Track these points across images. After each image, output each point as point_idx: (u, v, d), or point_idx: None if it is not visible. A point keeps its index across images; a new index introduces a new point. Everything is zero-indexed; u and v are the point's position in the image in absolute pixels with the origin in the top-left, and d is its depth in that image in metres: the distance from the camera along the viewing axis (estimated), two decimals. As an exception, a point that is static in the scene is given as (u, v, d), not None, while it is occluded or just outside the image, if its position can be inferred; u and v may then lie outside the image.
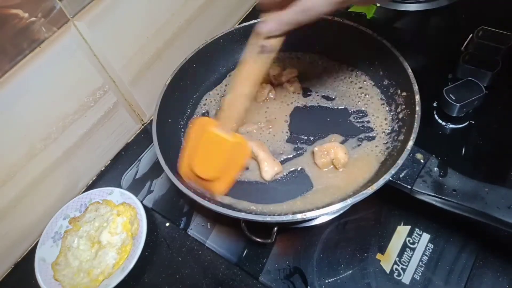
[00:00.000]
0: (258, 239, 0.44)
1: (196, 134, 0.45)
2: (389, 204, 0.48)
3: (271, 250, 0.47)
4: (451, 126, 0.53)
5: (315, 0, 0.33)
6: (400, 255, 0.44)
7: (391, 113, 0.50)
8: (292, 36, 0.60)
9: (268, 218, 0.39)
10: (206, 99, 0.58)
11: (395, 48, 0.49)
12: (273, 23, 0.37)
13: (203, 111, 0.57)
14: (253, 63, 0.40)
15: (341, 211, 0.48)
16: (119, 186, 0.57)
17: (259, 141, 0.50)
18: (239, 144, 0.43)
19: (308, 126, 0.52)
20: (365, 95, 0.53)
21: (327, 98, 0.55)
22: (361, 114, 0.52)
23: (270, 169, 0.47)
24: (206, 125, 0.43)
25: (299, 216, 0.38)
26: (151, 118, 0.65)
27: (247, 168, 0.49)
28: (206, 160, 0.44)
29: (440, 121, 0.53)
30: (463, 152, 0.50)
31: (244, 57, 0.40)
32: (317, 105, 0.54)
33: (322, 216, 0.46)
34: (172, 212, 0.53)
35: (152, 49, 0.59)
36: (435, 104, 0.54)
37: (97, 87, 0.54)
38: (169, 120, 0.53)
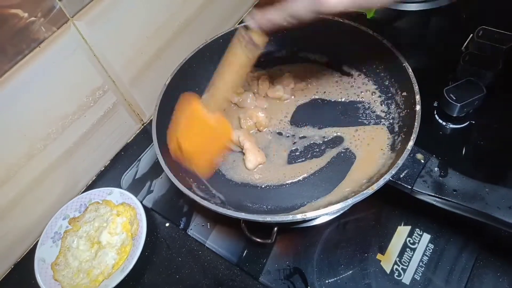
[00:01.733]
0: (258, 240, 0.44)
1: (184, 108, 0.46)
2: (390, 204, 0.48)
3: (271, 250, 0.47)
4: (451, 126, 0.53)
5: (299, 7, 0.34)
6: (401, 255, 0.44)
7: (391, 113, 0.50)
8: (292, 35, 0.61)
9: (268, 218, 0.39)
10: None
11: (395, 48, 0.49)
12: (260, 20, 0.37)
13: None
14: (239, 54, 0.41)
15: (341, 211, 0.48)
16: (119, 186, 0.57)
17: (247, 131, 0.50)
18: (220, 123, 0.44)
19: (309, 121, 0.53)
20: (365, 94, 0.53)
21: (326, 97, 0.54)
22: (361, 114, 0.52)
23: (253, 159, 0.48)
24: (193, 101, 0.44)
25: (299, 216, 0.38)
26: (151, 118, 0.65)
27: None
28: (189, 133, 0.45)
29: (440, 121, 0.53)
30: (463, 152, 0.50)
31: (232, 44, 0.41)
32: (316, 104, 0.54)
33: (322, 216, 0.46)
34: (172, 212, 0.53)
35: (152, 49, 0.59)
36: (435, 104, 0.54)
37: (97, 87, 0.54)
38: (169, 120, 0.53)
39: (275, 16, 0.36)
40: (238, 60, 0.41)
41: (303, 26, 0.35)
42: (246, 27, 0.39)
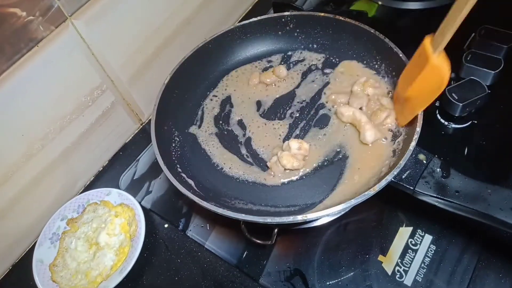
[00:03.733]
0: (258, 241, 0.43)
1: (418, 50, 0.41)
2: (391, 205, 0.47)
3: (271, 251, 0.47)
4: (453, 126, 0.52)
5: None
6: (402, 256, 0.44)
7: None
8: (292, 35, 0.60)
9: (269, 220, 0.39)
10: (205, 99, 0.57)
11: (397, 47, 0.49)
12: None
13: (203, 111, 0.56)
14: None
15: (343, 212, 0.47)
16: (117, 186, 0.56)
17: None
18: (439, 67, 0.38)
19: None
20: (366, 94, 0.53)
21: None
22: (362, 114, 0.51)
23: (373, 133, 0.46)
24: (424, 39, 0.40)
25: (299, 218, 0.38)
26: (149, 118, 0.64)
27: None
28: (409, 74, 0.42)
29: (442, 120, 0.53)
30: (465, 152, 0.50)
31: None
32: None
33: (323, 217, 0.46)
34: (171, 213, 0.53)
35: (151, 48, 0.59)
36: (437, 104, 0.54)
37: (95, 86, 0.53)
38: (168, 120, 0.53)
39: None
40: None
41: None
42: None
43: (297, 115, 0.53)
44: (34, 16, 0.43)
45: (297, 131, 0.51)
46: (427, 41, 0.39)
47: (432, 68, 0.39)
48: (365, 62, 0.55)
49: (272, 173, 0.47)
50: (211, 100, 0.57)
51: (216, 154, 0.51)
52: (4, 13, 0.40)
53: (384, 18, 0.66)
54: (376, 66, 0.54)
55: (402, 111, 0.45)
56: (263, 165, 0.49)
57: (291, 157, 0.46)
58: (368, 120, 0.47)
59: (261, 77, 0.56)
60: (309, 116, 0.53)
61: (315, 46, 0.58)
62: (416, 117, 0.42)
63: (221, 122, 0.54)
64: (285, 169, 0.47)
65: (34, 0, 0.42)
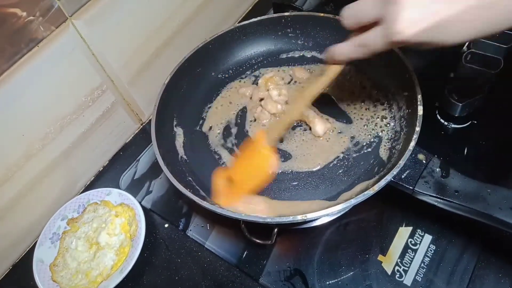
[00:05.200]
0: (258, 241, 0.43)
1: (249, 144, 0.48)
2: (391, 205, 0.47)
3: (271, 251, 0.47)
4: (453, 126, 0.53)
5: (371, 37, 0.33)
6: (402, 256, 0.44)
7: (393, 113, 0.49)
8: (292, 36, 0.60)
9: (268, 219, 0.39)
10: (206, 99, 0.57)
11: (396, 47, 0.49)
12: (331, 52, 0.39)
13: (203, 111, 0.56)
14: (315, 84, 0.42)
15: (342, 212, 0.47)
16: (118, 186, 0.56)
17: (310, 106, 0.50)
18: (265, 154, 0.44)
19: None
20: (366, 94, 0.53)
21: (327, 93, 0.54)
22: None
23: (323, 125, 0.49)
24: (260, 134, 0.46)
25: (299, 217, 0.38)
26: (149, 118, 0.64)
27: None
28: (241, 162, 0.47)
29: (442, 121, 0.53)
30: (465, 152, 0.50)
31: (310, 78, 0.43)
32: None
33: (323, 217, 0.46)
34: (171, 213, 0.53)
35: (151, 48, 0.59)
36: (437, 104, 0.54)
37: (95, 86, 0.53)
38: (168, 120, 0.53)
39: (347, 49, 0.36)
40: (313, 94, 0.43)
41: (375, 57, 0.35)
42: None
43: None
44: (34, 16, 0.43)
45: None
46: (259, 136, 0.45)
47: (264, 157, 0.44)
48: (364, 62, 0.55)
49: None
50: (212, 100, 0.57)
51: (218, 152, 0.51)
52: (5, 13, 0.40)
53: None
54: (373, 67, 0.53)
55: (228, 193, 0.45)
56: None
57: (274, 102, 0.51)
58: (315, 114, 0.50)
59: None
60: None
61: (315, 46, 0.58)
62: (416, 117, 0.42)
63: (221, 121, 0.55)
64: (271, 114, 0.51)
65: (35, 0, 0.42)
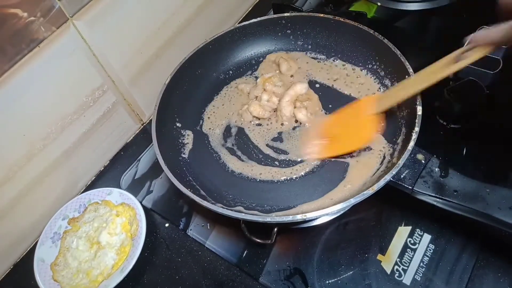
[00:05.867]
0: (258, 240, 0.44)
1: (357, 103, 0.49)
2: (390, 204, 0.47)
3: (271, 250, 0.47)
4: (452, 126, 0.53)
5: None
6: (401, 255, 0.44)
7: (392, 113, 0.50)
8: (292, 36, 0.60)
9: (268, 219, 0.39)
10: (206, 99, 0.58)
11: (396, 47, 0.49)
12: (480, 36, 0.37)
13: (203, 111, 0.56)
14: (443, 67, 0.41)
15: (342, 212, 0.48)
16: (118, 186, 0.56)
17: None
18: (368, 123, 0.45)
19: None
20: (366, 94, 0.53)
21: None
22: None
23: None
24: (369, 98, 0.47)
25: (299, 217, 0.38)
26: (150, 118, 0.65)
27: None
28: (340, 118, 0.48)
29: (441, 121, 0.53)
30: (464, 152, 0.50)
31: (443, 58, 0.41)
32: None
33: (323, 216, 0.46)
34: (171, 212, 0.53)
35: (152, 49, 0.59)
36: (436, 104, 0.54)
37: (96, 86, 0.53)
38: (169, 120, 0.53)
39: (496, 34, 0.35)
40: (436, 75, 0.41)
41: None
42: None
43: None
44: (35, 17, 0.43)
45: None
46: (367, 100, 0.47)
47: (368, 123, 0.46)
48: (363, 62, 0.55)
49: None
50: (212, 100, 0.57)
51: (218, 153, 0.51)
52: (6, 13, 0.40)
53: (383, 19, 0.67)
54: (375, 66, 0.54)
55: (324, 146, 0.48)
56: (264, 161, 0.49)
57: (259, 106, 0.51)
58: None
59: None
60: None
61: (314, 47, 0.59)
62: (415, 117, 0.43)
63: (222, 122, 0.55)
64: (253, 116, 0.51)
65: (35, 1, 0.42)
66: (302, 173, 0.47)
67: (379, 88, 0.53)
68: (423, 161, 0.41)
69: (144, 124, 0.65)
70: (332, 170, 0.47)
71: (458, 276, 0.42)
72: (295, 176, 0.47)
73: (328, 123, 0.50)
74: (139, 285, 0.48)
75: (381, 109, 0.46)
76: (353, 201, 0.38)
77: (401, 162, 0.39)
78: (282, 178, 0.47)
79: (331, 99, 0.53)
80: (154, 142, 0.47)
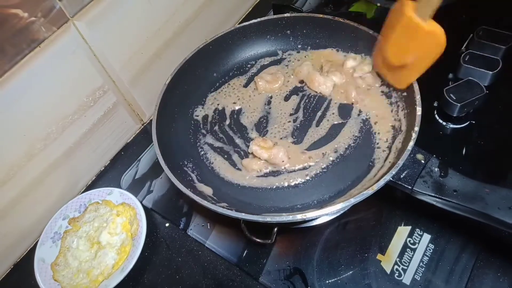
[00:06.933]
0: (258, 240, 0.44)
1: (395, 18, 0.43)
2: (390, 204, 0.48)
3: (271, 250, 0.47)
4: (451, 126, 0.53)
5: None
6: (401, 255, 0.44)
7: (392, 113, 0.50)
8: (292, 37, 0.60)
9: (268, 219, 0.39)
10: (206, 99, 0.58)
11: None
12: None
13: (204, 112, 0.57)
14: None
15: (342, 212, 0.48)
16: (119, 186, 0.57)
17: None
18: (433, 33, 0.40)
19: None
20: (365, 94, 0.53)
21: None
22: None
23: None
24: (405, 8, 0.40)
25: (299, 217, 0.38)
26: (150, 118, 0.65)
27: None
28: (399, 44, 0.43)
29: (440, 121, 0.53)
30: (463, 152, 0.50)
31: None
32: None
33: (322, 216, 0.46)
34: (171, 212, 0.53)
35: (152, 49, 0.59)
36: (435, 104, 0.54)
37: (97, 87, 0.54)
38: (169, 120, 0.53)
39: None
40: None
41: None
42: None
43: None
44: (36, 17, 0.43)
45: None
46: (409, 10, 0.40)
47: (428, 36, 0.40)
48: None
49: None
50: (213, 101, 0.58)
51: (219, 152, 0.52)
52: (6, 14, 0.41)
53: (383, 19, 0.67)
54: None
55: (398, 78, 0.46)
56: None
57: (253, 160, 0.49)
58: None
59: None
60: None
61: (314, 47, 0.59)
62: (414, 118, 0.43)
63: (223, 122, 0.55)
64: (259, 169, 0.48)
65: (36, 1, 0.42)
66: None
67: (378, 90, 0.53)
68: (423, 161, 0.41)
69: (145, 124, 0.65)
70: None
71: (458, 275, 0.42)
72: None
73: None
74: (139, 284, 0.48)
75: (425, 12, 0.39)
76: (353, 200, 0.38)
77: (400, 162, 0.39)
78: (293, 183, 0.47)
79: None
80: (154, 142, 0.47)
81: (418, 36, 0.41)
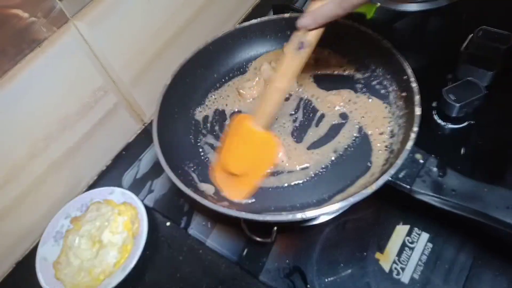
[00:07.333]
0: (258, 239, 0.44)
1: (235, 130, 0.48)
2: (388, 203, 0.48)
3: (271, 249, 0.47)
4: (450, 126, 0.53)
5: None
6: (399, 254, 0.44)
7: (390, 114, 0.50)
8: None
9: (268, 218, 0.39)
10: (207, 99, 0.58)
11: (394, 48, 0.49)
12: (309, 17, 0.38)
13: (204, 112, 0.57)
14: (291, 60, 0.41)
15: (341, 211, 0.48)
16: (120, 185, 0.57)
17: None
18: (267, 140, 0.45)
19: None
20: (365, 94, 0.53)
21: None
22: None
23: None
24: (243, 120, 0.46)
25: (298, 216, 0.38)
26: (151, 118, 0.64)
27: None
28: (237, 154, 0.46)
29: (439, 121, 0.54)
30: (462, 152, 0.51)
31: (284, 52, 0.42)
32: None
33: (322, 215, 0.46)
34: (172, 211, 0.53)
35: (152, 49, 0.59)
36: (434, 104, 0.54)
37: (98, 87, 0.54)
38: (170, 120, 0.54)
39: (326, 9, 0.36)
40: (290, 68, 0.42)
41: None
42: (297, 30, 0.40)
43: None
44: (36, 17, 0.43)
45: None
46: (248, 123, 0.45)
47: (264, 140, 0.45)
48: (362, 63, 0.55)
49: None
50: (213, 101, 0.58)
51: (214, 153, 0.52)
52: (6, 14, 0.41)
53: (383, 20, 0.67)
54: (374, 67, 0.54)
55: (237, 188, 0.46)
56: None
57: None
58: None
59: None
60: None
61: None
62: (413, 118, 0.43)
63: (224, 122, 0.55)
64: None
65: (36, 1, 0.43)
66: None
67: (377, 90, 0.53)
68: (422, 161, 0.41)
69: (145, 125, 0.65)
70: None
71: (456, 274, 0.42)
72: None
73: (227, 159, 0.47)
74: (141, 283, 0.48)
75: (263, 123, 0.45)
76: (352, 200, 0.38)
77: (399, 162, 0.39)
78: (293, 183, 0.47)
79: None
80: (155, 142, 0.47)
81: (259, 144, 0.45)
